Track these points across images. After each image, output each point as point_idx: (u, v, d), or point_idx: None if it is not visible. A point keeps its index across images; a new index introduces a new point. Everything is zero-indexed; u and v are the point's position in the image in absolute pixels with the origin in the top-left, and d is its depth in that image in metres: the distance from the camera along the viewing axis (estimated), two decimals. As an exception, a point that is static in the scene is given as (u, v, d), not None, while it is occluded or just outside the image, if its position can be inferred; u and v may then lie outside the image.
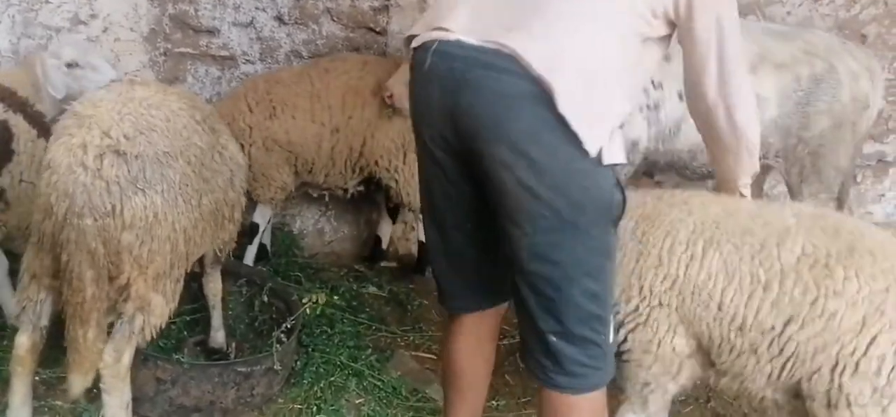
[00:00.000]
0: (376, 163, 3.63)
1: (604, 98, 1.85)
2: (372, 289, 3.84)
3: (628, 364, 2.28)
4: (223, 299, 3.10)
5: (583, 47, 1.84)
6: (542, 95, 1.79)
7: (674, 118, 3.28)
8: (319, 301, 3.41)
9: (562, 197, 1.84)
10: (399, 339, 3.47)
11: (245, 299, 3.39)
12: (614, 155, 1.88)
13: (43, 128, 2.88)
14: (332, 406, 2.92)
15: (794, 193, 3.50)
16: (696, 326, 2.24)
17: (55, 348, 2.54)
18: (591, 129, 1.81)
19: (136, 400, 2.49)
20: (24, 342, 2.36)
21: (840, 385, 2.08)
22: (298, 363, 3.10)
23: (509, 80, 1.81)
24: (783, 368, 2.17)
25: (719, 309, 2.19)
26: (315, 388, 2.99)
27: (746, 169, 2.23)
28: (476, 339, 2.31)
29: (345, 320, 3.45)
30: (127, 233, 2.22)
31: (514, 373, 3.27)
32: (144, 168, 2.21)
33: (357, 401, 2.99)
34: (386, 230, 4.08)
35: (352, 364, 3.13)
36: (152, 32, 3.75)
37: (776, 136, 3.34)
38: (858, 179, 3.87)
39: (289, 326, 3.05)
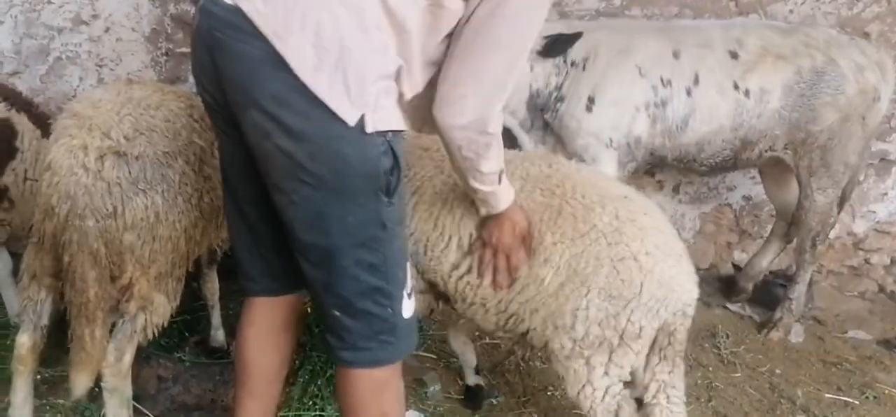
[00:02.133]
0: None
1: (357, 63, 1.68)
2: (372, 288, 3.83)
3: None
4: (223, 297, 3.11)
5: (324, 8, 1.67)
6: (282, 60, 1.66)
7: (681, 114, 3.28)
8: (319, 299, 3.41)
9: (321, 164, 1.72)
10: (399, 338, 3.47)
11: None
12: (382, 121, 1.73)
13: (47, 127, 2.90)
14: (329, 403, 2.92)
15: (802, 186, 3.49)
16: (429, 275, 2.41)
17: (56, 347, 2.56)
18: (343, 98, 1.68)
19: (138, 398, 2.51)
20: (25, 341, 2.38)
21: (547, 341, 2.26)
22: (296, 361, 3.11)
23: (252, 43, 1.69)
24: (507, 322, 2.36)
25: (454, 267, 2.35)
26: (312, 386, 2.99)
27: None
28: (269, 328, 2.19)
29: (344, 318, 3.45)
30: (129, 234, 2.23)
31: (514, 372, 3.27)
32: (145, 169, 2.22)
33: (356, 400, 3.00)
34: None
35: (351, 362, 3.14)
36: (154, 32, 3.76)
37: (781, 128, 3.34)
38: (860, 177, 3.85)
39: (289, 325, 3.06)
